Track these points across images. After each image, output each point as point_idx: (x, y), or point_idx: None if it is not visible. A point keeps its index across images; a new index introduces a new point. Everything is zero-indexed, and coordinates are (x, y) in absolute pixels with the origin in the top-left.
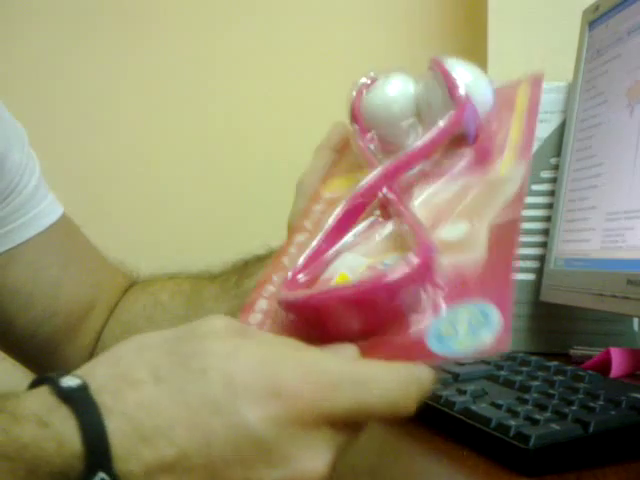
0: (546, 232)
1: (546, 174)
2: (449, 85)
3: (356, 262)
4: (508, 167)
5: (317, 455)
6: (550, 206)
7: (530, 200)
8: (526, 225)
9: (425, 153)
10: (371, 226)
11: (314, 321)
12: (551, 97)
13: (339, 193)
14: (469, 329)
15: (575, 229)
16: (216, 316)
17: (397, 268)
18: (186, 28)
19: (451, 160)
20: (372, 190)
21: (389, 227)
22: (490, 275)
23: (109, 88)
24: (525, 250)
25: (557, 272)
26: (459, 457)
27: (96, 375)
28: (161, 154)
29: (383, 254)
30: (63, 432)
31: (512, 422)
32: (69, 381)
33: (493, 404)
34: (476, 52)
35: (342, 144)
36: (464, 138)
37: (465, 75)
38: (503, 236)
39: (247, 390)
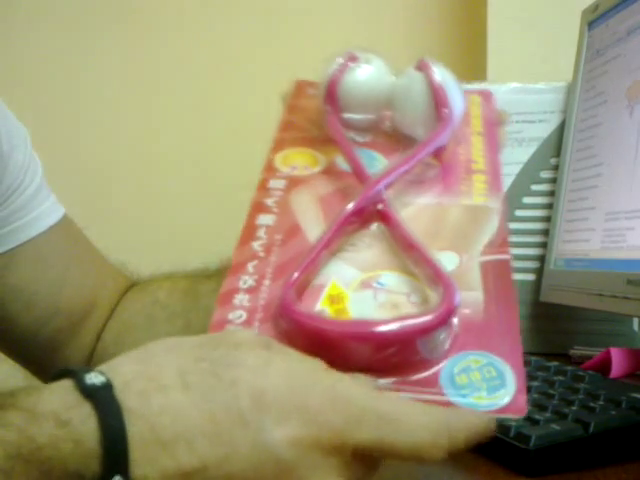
0: (546, 232)
1: (546, 174)
2: (437, 99)
3: (349, 273)
4: (481, 197)
5: None
6: (550, 206)
7: (530, 200)
8: (526, 225)
9: (413, 167)
10: (363, 236)
11: (325, 350)
12: (551, 97)
13: (302, 170)
14: (485, 384)
15: (575, 229)
16: (243, 330)
17: (425, 315)
18: (186, 28)
19: (420, 169)
20: (367, 204)
21: (383, 242)
22: (496, 324)
23: (109, 89)
24: (525, 250)
25: (557, 272)
26: (459, 457)
27: (123, 372)
28: (161, 154)
29: (376, 270)
30: (82, 431)
31: (512, 422)
32: (94, 378)
33: None
34: (476, 52)
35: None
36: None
37: (450, 88)
38: (499, 277)
39: (275, 407)
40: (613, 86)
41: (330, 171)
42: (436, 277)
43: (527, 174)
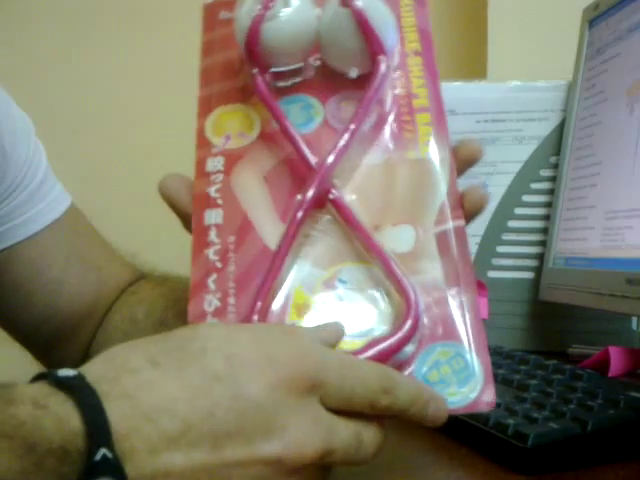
0: (545, 231)
1: (545, 173)
2: (369, 41)
3: (310, 275)
4: (427, 147)
5: (310, 425)
6: (549, 205)
7: (529, 199)
8: (525, 223)
9: (359, 131)
10: (316, 224)
11: None
12: (551, 95)
13: (237, 140)
14: (455, 377)
15: (574, 228)
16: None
17: (395, 335)
18: (187, 27)
19: (357, 111)
20: (320, 194)
21: (336, 231)
22: (459, 310)
23: (110, 87)
24: (524, 249)
25: (556, 271)
26: (457, 456)
27: (92, 369)
28: (161, 154)
29: (336, 264)
30: (60, 412)
31: (510, 421)
32: (65, 372)
33: None
34: (476, 50)
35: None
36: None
37: (381, 23)
38: (456, 249)
39: (246, 363)
40: (613, 85)
41: (267, 135)
42: (397, 287)
43: (527, 172)
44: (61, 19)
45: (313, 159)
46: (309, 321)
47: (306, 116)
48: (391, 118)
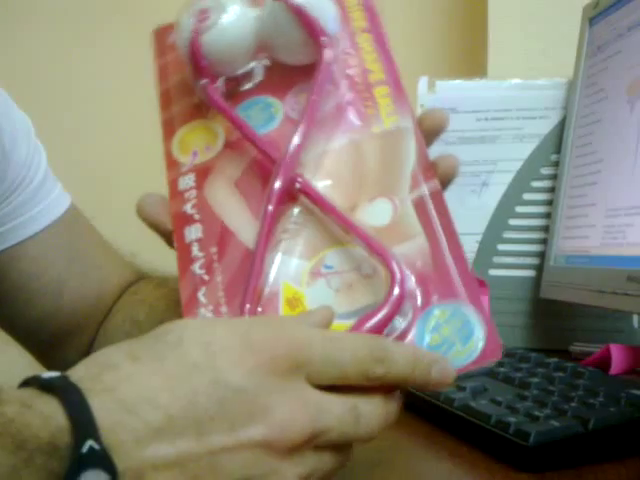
0: (546, 229)
1: (546, 170)
2: (308, 28)
3: (295, 267)
4: (390, 118)
5: (295, 405)
6: (550, 203)
7: (530, 197)
8: (526, 221)
9: (316, 117)
10: (290, 217)
11: None
12: (551, 93)
13: (204, 154)
14: (457, 336)
15: (575, 226)
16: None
17: (382, 309)
18: None
19: (311, 98)
20: (287, 185)
21: (313, 219)
22: (448, 268)
23: (110, 87)
24: (525, 247)
25: (557, 269)
26: (459, 454)
27: (75, 370)
28: (161, 154)
29: (318, 252)
30: (46, 411)
31: (512, 419)
32: (49, 374)
33: (493, 401)
34: (476, 48)
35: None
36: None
37: (316, 7)
38: (435, 211)
39: (224, 351)
40: (613, 82)
41: (232, 143)
42: (379, 260)
43: (527, 170)
44: (61, 19)
45: (276, 154)
46: (303, 312)
47: (267, 116)
48: (349, 98)
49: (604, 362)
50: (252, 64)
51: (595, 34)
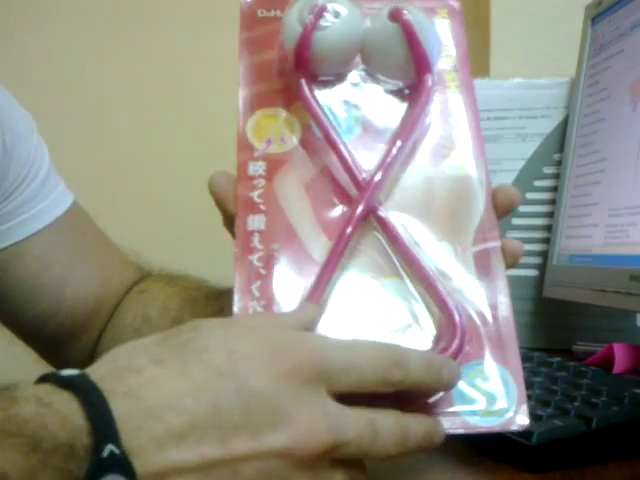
0: (549, 228)
1: (549, 170)
2: (418, 61)
3: (353, 285)
4: (466, 165)
5: (316, 415)
6: (553, 202)
7: (533, 196)
8: (529, 221)
9: (405, 148)
10: (360, 239)
11: None
12: (554, 93)
13: (278, 145)
14: (489, 396)
15: (578, 225)
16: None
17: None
18: (187, 28)
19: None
20: (367, 211)
21: (379, 247)
22: (495, 329)
23: (110, 87)
24: (528, 246)
25: (560, 268)
26: (462, 454)
27: (95, 370)
28: (162, 154)
29: (378, 277)
30: (65, 411)
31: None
32: (69, 372)
33: None
34: (479, 47)
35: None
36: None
37: (428, 42)
38: (492, 269)
39: (248, 357)
40: (616, 81)
41: (308, 142)
42: (441, 306)
43: (530, 170)
44: (61, 19)
45: (360, 174)
46: (352, 326)
47: (346, 124)
48: (430, 134)
49: (607, 361)
50: (346, 71)
51: (597, 33)
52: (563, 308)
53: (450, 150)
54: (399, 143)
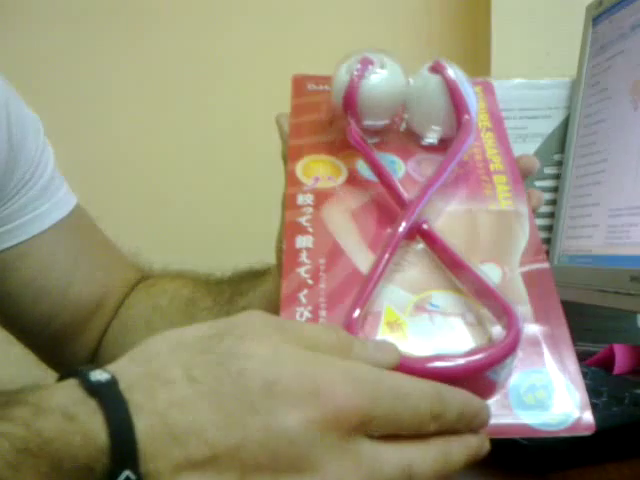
0: (550, 228)
1: (550, 170)
2: (457, 105)
3: (400, 297)
4: (506, 202)
5: (348, 465)
6: (554, 202)
7: None
8: None
9: (445, 177)
10: (406, 254)
11: None
12: (555, 93)
13: (326, 182)
14: (551, 401)
15: (579, 225)
16: (253, 313)
17: (493, 349)
18: (187, 27)
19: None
20: (413, 225)
21: (425, 260)
22: (551, 339)
23: (110, 87)
24: None
25: (561, 268)
26: None
27: (127, 372)
28: (163, 154)
29: (426, 290)
30: (89, 426)
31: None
32: (98, 375)
33: None
34: (480, 48)
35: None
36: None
37: (466, 91)
38: (542, 287)
39: (285, 392)
40: (617, 82)
41: (353, 180)
42: (498, 304)
43: None
44: (61, 19)
45: (406, 194)
46: (401, 337)
47: (390, 169)
48: (471, 177)
49: (607, 362)
50: (389, 120)
51: (599, 33)
52: (563, 309)
53: (491, 191)
54: (439, 172)
